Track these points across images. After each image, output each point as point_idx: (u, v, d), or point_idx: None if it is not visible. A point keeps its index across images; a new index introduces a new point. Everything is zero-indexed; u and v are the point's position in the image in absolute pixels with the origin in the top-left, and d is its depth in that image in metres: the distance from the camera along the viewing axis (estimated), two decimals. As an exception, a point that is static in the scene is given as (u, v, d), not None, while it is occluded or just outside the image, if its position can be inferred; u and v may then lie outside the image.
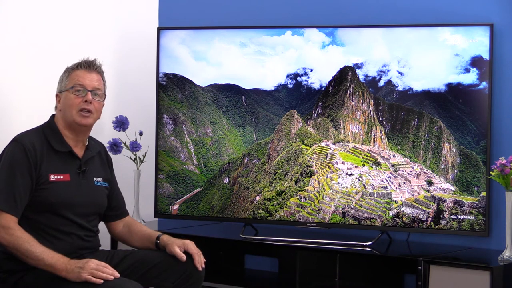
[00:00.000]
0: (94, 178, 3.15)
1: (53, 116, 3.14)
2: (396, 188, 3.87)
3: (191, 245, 3.09)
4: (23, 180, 2.93)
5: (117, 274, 2.86)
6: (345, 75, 3.99)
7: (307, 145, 4.07)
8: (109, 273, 2.83)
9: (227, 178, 4.23)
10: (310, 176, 4.02)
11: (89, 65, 3.10)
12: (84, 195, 3.06)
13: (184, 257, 3.04)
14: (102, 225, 3.33)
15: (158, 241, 3.16)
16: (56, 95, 3.12)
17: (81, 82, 3.06)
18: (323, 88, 4.04)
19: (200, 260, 3.08)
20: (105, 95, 3.16)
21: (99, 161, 3.22)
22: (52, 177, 2.99)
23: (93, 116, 3.09)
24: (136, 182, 4.30)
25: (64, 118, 3.08)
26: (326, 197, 3.97)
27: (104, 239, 4.15)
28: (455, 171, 3.81)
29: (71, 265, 2.84)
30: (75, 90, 3.05)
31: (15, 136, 3.03)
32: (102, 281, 2.81)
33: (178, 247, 3.07)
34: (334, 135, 4.02)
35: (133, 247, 3.29)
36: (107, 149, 4.16)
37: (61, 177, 3.02)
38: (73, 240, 3.02)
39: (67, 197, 2.99)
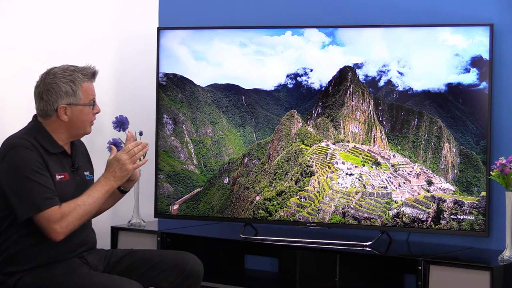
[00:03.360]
0: (85, 173, 3.16)
1: (35, 116, 3.07)
2: (396, 188, 3.87)
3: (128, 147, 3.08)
4: (45, 172, 2.91)
5: (138, 141, 3.02)
6: (345, 75, 3.99)
7: (307, 145, 4.07)
8: (140, 149, 3.00)
9: (227, 178, 4.23)
10: (310, 176, 4.02)
11: (95, 76, 3.09)
12: (81, 192, 3.05)
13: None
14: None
15: (121, 187, 3.21)
16: (62, 107, 2.99)
17: (93, 95, 3.07)
18: (323, 88, 4.04)
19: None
20: None
21: (82, 155, 3.22)
22: (57, 177, 2.99)
23: None
24: (136, 182, 4.30)
25: (71, 130, 3.04)
26: (326, 197, 3.97)
27: (104, 239, 4.17)
28: (455, 171, 3.81)
29: (112, 175, 2.98)
30: (94, 106, 3.07)
31: (8, 142, 2.95)
32: (147, 159, 3.18)
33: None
34: (334, 135, 4.02)
35: (102, 211, 3.27)
36: (107, 149, 4.19)
37: (63, 176, 3.02)
38: (73, 238, 3.01)
39: (69, 196, 2.97)
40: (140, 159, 3.06)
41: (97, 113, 3.10)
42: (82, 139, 3.24)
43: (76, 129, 3.05)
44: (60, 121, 3.01)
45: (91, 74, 3.06)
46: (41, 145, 2.97)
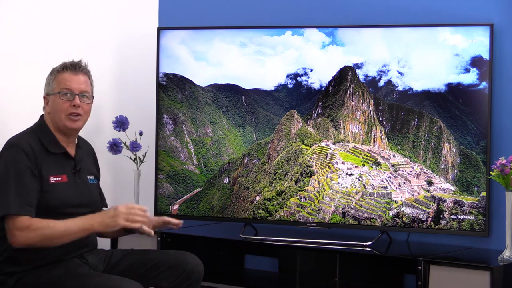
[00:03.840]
0: (88, 176, 3.15)
1: (42, 116, 3.11)
2: (396, 188, 3.87)
3: (162, 219, 3.13)
4: (30, 180, 2.90)
5: (146, 208, 2.92)
6: (345, 75, 3.99)
7: (307, 145, 4.07)
8: (142, 214, 2.88)
9: (227, 178, 4.23)
10: (310, 176, 4.02)
11: (75, 67, 3.07)
12: (81, 195, 3.05)
13: (151, 232, 3.01)
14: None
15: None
16: (44, 97, 3.09)
17: (68, 86, 3.03)
18: (323, 88, 4.04)
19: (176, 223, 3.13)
20: (93, 96, 3.14)
21: (88, 158, 3.21)
22: (52, 179, 2.98)
23: (83, 118, 3.07)
24: (136, 182, 4.30)
25: (54, 121, 3.05)
26: (326, 197, 3.97)
27: (104, 239, 4.16)
28: (455, 171, 3.81)
29: (101, 218, 2.87)
30: (62, 95, 3.02)
31: (9, 140, 2.99)
32: (139, 225, 2.86)
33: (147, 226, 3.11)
34: (334, 135, 4.02)
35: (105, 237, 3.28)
36: (107, 149, 4.19)
37: (59, 178, 3.01)
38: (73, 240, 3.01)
39: (66, 198, 2.98)
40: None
41: (74, 106, 3.02)
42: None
43: (56, 121, 3.05)
44: (48, 114, 3.07)
45: (68, 65, 3.06)
46: (42, 145, 2.98)
